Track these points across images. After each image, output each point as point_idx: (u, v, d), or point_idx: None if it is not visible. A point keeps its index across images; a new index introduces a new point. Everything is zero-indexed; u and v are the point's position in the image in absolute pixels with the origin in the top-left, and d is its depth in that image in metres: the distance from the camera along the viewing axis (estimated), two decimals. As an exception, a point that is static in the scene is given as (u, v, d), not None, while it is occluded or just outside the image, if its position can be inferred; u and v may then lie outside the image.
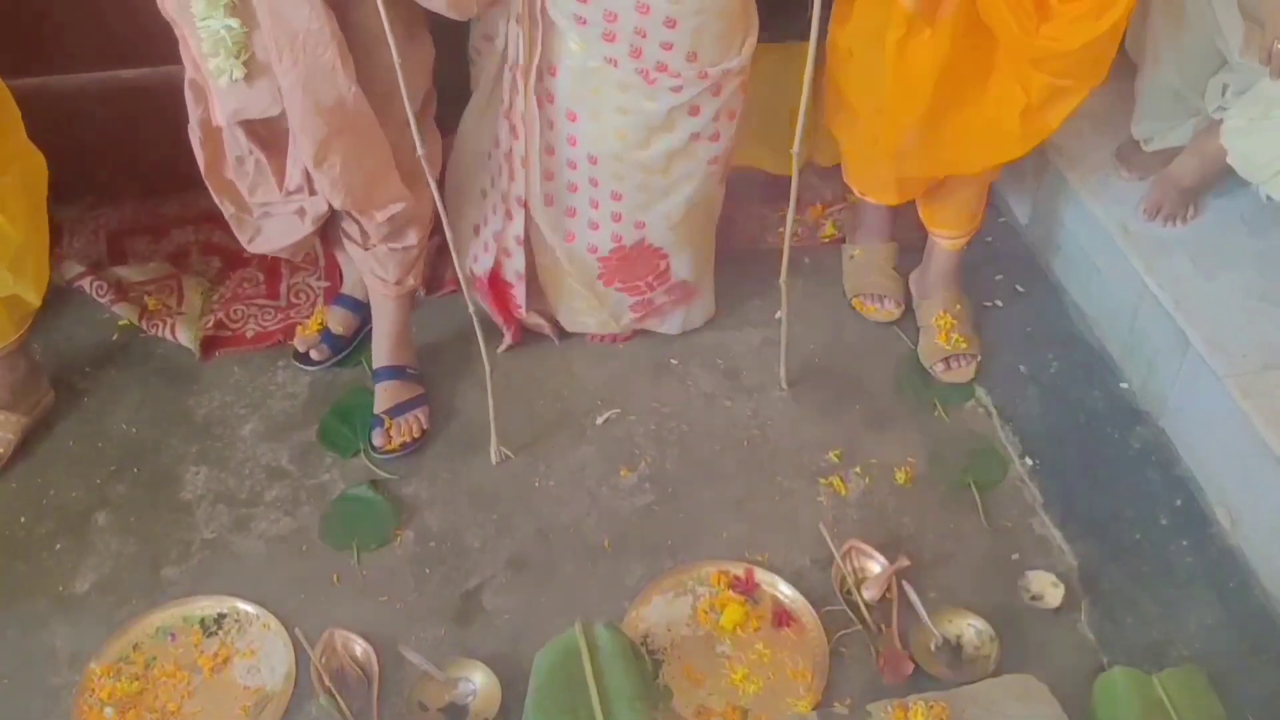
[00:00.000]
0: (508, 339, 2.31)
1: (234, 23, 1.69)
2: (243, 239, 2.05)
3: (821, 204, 2.60)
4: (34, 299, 2.05)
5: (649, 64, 1.85)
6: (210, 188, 1.97)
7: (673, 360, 2.31)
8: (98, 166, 2.50)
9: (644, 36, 1.82)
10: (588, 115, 1.93)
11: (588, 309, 2.25)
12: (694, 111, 1.92)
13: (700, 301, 2.32)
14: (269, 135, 1.87)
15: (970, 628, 1.88)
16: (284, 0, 1.68)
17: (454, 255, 1.90)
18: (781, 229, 2.48)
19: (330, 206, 1.92)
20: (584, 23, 1.82)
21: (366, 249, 2.05)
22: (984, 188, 2.22)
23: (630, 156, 1.97)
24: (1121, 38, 1.87)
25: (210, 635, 1.90)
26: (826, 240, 2.56)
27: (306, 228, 1.99)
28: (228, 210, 2.00)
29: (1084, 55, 1.84)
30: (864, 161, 2.22)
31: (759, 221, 2.57)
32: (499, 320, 2.29)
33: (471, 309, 1.97)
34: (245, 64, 1.73)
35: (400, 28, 1.68)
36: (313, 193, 1.92)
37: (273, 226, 2.02)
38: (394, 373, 2.21)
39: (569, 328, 2.31)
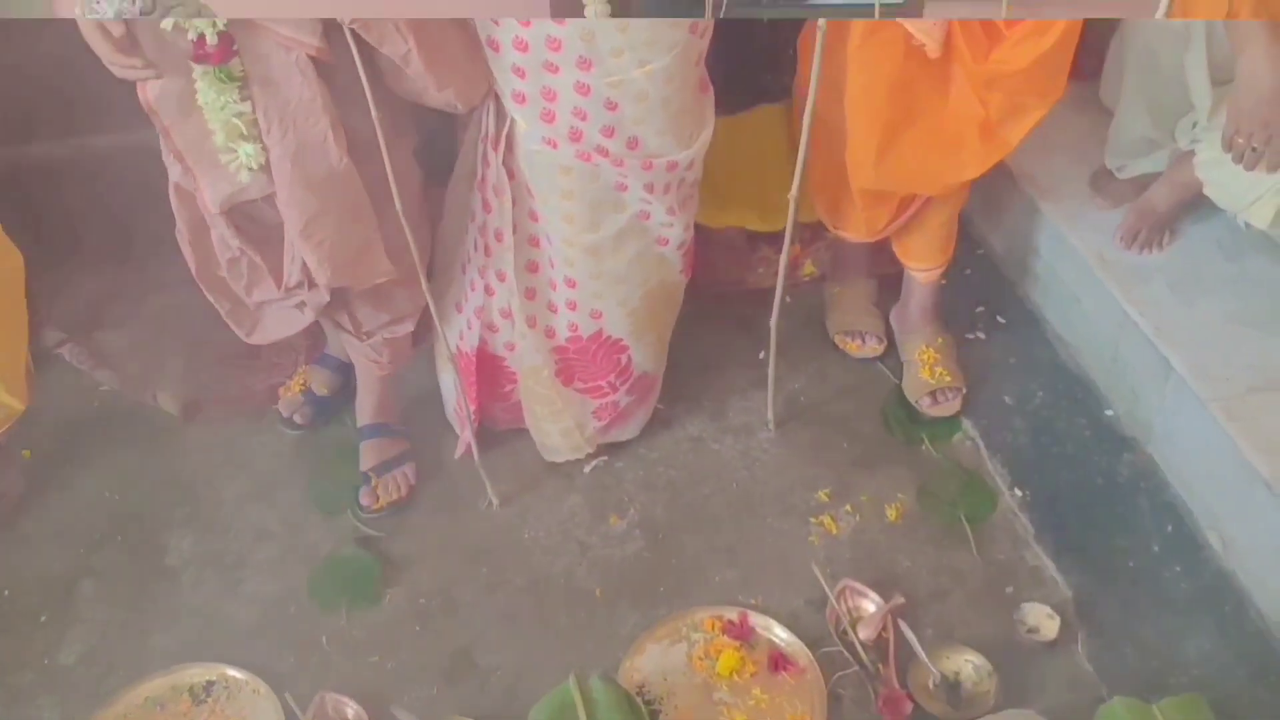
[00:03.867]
0: (464, 441, 2.16)
1: (246, 108, 1.64)
2: (240, 332, 2.01)
3: (800, 243, 2.60)
4: (14, 403, 2.00)
5: (589, 147, 1.78)
6: (203, 288, 1.95)
7: (658, 405, 2.30)
8: (76, 233, 2.49)
9: (584, 119, 1.75)
10: (539, 195, 1.88)
11: (550, 415, 2.14)
12: (646, 188, 1.85)
13: (655, 394, 2.26)
14: (260, 233, 1.84)
15: (968, 664, 1.87)
16: (276, 68, 1.63)
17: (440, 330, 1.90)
18: (761, 270, 2.51)
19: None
20: (523, 100, 1.76)
21: (361, 339, 2.04)
22: (953, 217, 2.23)
23: (579, 240, 1.90)
24: (1075, 51, 1.89)
25: (200, 704, 1.87)
26: (806, 278, 2.56)
27: (307, 318, 1.97)
28: (223, 307, 1.97)
29: (1035, 72, 1.86)
30: (833, 190, 2.23)
31: (740, 262, 2.57)
32: (467, 410, 2.09)
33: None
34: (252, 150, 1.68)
35: (388, 125, 1.68)
36: (313, 286, 1.88)
37: (271, 318, 2.00)
38: (379, 430, 2.19)
39: (541, 450, 2.20)
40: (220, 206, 1.78)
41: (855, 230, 2.26)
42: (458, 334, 2.14)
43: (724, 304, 2.47)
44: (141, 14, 1.53)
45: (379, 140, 1.62)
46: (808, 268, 2.58)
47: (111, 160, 2.38)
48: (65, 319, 2.45)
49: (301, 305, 1.96)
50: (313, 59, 1.63)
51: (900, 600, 1.92)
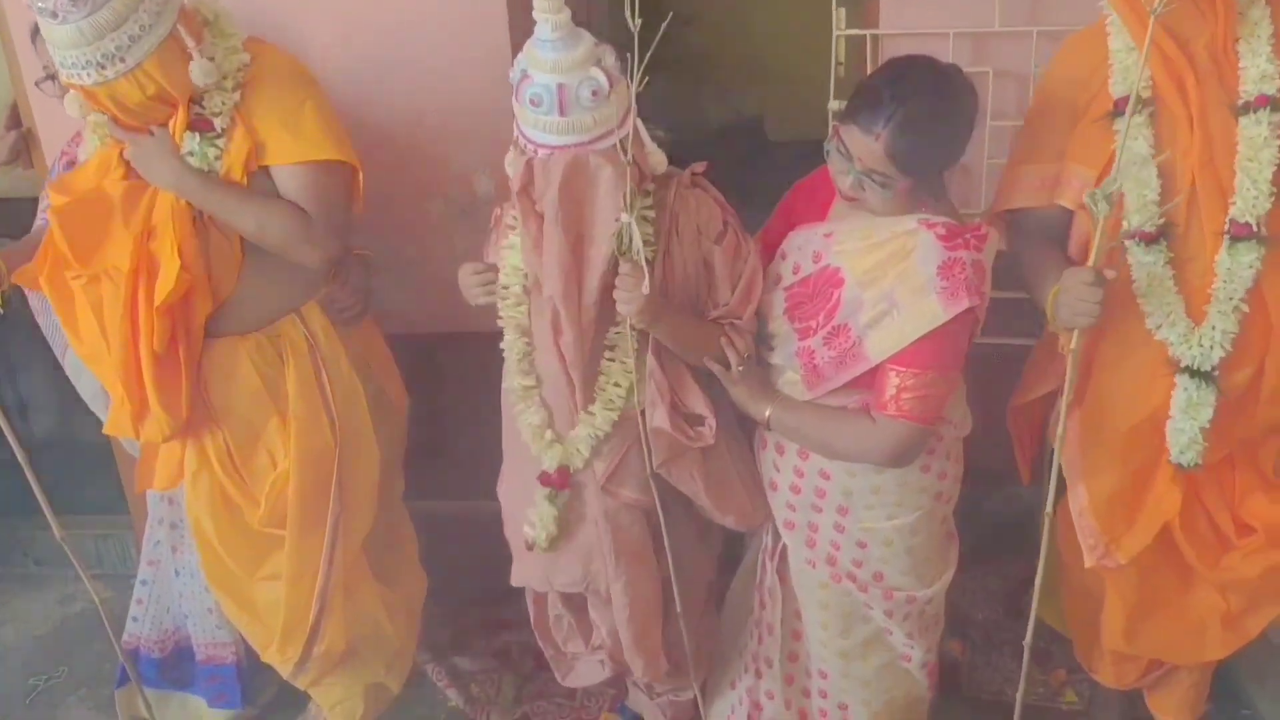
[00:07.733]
0: None
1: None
2: (558, 675, 2.52)
3: (1065, 669, 2.74)
4: (395, 688, 2.64)
5: (841, 571, 2.15)
6: (537, 636, 2.47)
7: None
8: (445, 575, 2.97)
9: (837, 549, 2.13)
10: (802, 601, 2.24)
11: None
12: (886, 614, 2.17)
13: None
14: (579, 601, 2.33)
15: None
16: (619, 522, 2.12)
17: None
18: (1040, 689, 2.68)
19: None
20: (792, 528, 2.18)
21: (652, 699, 2.50)
22: (1204, 678, 2.35)
23: (831, 644, 2.23)
24: None
25: None
26: (1066, 707, 2.68)
27: (607, 673, 2.42)
28: (548, 651, 2.48)
29: (1271, 577, 2.03)
30: (1087, 638, 2.41)
31: (1003, 673, 2.76)
32: None
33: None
34: (548, 539, 2.16)
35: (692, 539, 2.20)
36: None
37: (582, 667, 2.48)
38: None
39: None
40: (533, 586, 2.32)
41: (1105, 677, 2.42)
42: (729, 708, 2.48)
43: (978, 712, 2.64)
44: None
45: (668, 560, 2.13)
46: (1069, 696, 2.71)
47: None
48: (434, 643, 3.01)
49: (604, 661, 2.42)
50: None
51: None
